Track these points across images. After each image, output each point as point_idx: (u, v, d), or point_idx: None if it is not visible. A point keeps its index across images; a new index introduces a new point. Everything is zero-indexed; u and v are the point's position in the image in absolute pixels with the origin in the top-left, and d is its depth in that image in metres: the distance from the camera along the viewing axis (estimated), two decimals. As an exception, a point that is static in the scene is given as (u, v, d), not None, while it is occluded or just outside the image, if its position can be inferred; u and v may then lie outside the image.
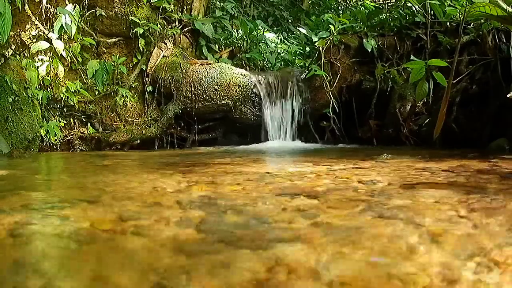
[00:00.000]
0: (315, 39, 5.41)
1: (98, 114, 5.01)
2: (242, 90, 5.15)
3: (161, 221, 1.05)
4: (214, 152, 4.26)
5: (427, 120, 4.35)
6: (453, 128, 3.84)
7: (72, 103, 4.77)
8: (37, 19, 4.62)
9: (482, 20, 4.12)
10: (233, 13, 6.81)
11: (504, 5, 2.70)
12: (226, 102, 5.11)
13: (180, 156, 3.71)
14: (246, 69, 5.67)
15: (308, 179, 1.81)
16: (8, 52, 4.45)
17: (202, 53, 5.81)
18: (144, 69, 5.20)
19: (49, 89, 4.69)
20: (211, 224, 1.03)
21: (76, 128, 4.92)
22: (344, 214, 1.12)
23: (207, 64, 5.25)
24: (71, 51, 4.73)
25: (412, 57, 3.93)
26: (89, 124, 4.97)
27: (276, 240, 0.88)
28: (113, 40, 5.07)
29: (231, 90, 5.10)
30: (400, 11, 5.32)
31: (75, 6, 4.58)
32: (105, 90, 4.94)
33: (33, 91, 4.36)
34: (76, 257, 0.80)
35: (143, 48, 5.15)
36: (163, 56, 5.23)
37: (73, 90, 4.71)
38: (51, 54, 4.65)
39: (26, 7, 4.51)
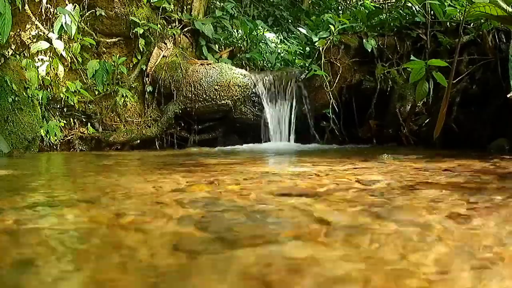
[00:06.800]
0: (315, 39, 5.41)
1: (98, 114, 5.01)
2: (242, 90, 5.15)
3: (160, 220, 1.05)
4: (214, 152, 4.26)
5: (427, 120, 4.35)
6: (453, 128, 3.83)
7: (72, 103, 4.77)
8: (37, 19, 4.62)
9: (482, 20, 4.11)
10: (233, 13, 6.80)
11: (504, 5, 2.70)
12: (226, 102, 5.11)
13: (180, 156, 3.71)
14: (246, 69, 5.67)
15: (308, 179, 1.81)
16: (8, 52, 4.45)
17: (202, 53, 5.81)
18: (144, 69, 5.20)
19: (49, 89, 4.69)
20: (211, 223, 1.03)
21: (76, 128, 4.92)
22: (344, 214, 1.12)
23: (207, 64, 5.25)
24: (71, 51, 4.73)
25: (412, 57, 3.93)
26: (89, 124, 4.97)
27: (276, 240, 0.88)
28: (113, 40, 5.08)
29: (231, 90, 5.10)
30: (400, 11, 5.32)
31: (75, 6, 4.58)
32: (105, 90, 4.94)
33: (33, 91, 4.36)
34: (75, 257, 0.80)
35: (143, 48, 5.15)
36: (163, 56, 5.23)
37: (73, 90, 4.71)
38: (51, 54, 4.65)
39: (26, 7, 4.51)
